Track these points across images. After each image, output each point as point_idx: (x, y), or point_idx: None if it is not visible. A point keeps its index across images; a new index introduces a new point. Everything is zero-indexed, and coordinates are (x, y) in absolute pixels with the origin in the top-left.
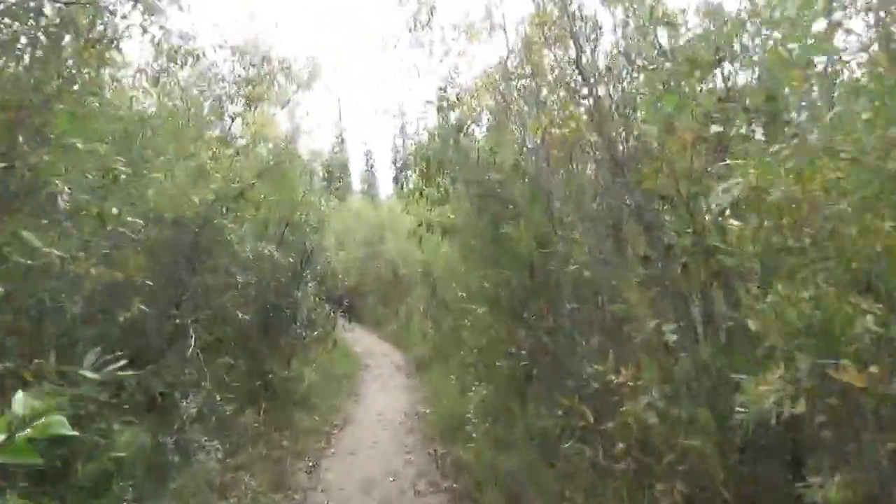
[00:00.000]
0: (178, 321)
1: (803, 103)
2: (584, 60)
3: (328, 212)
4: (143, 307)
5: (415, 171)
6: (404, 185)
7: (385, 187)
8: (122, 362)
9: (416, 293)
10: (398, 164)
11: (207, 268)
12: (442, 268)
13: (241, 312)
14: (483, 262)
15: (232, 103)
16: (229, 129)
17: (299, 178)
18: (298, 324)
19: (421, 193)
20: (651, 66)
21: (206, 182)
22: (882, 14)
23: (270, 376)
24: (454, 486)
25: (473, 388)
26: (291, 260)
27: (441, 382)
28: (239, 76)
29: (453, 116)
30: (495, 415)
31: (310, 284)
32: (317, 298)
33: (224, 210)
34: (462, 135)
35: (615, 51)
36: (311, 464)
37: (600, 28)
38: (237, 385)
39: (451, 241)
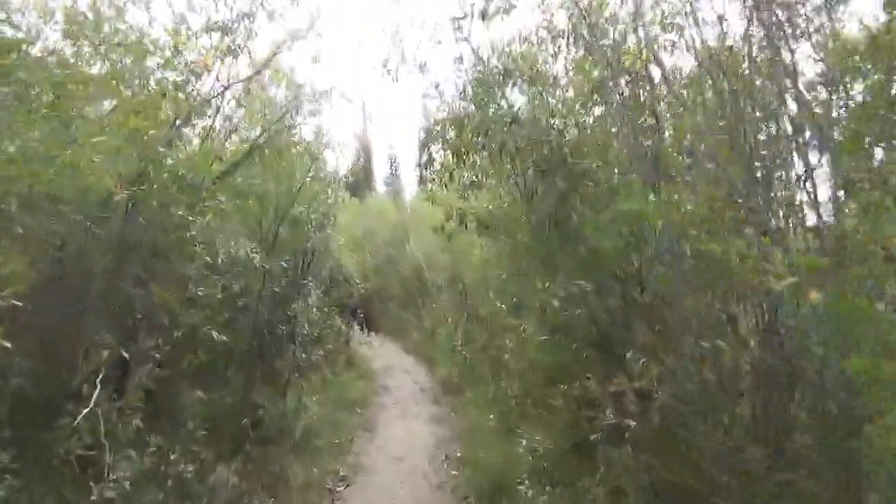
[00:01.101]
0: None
1: None
2: None
3: (340, 206)
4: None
5: (442, 146)
6: (428, 166)
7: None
8: None
9: (442, 300)
10: (421, 138)
11: (165, 277)
12: (474, 273)
13: (219, 334)
14: (541, 266)
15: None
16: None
17: (301, 162)
18: (298, 343)
19: (451, 175)
20: None
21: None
22: None
23: (261, 412)
24: None
25: (520, 433)
26: (285, 265)
27: (476, 415)
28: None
29: (498, 61)
30: (556, 479)
31: (313, 294)
32: (325, 310)
33: (193, 197)
34: (512, 86)
35: None
36: None
37: None
38: (212, 429)
39: (489, 238)
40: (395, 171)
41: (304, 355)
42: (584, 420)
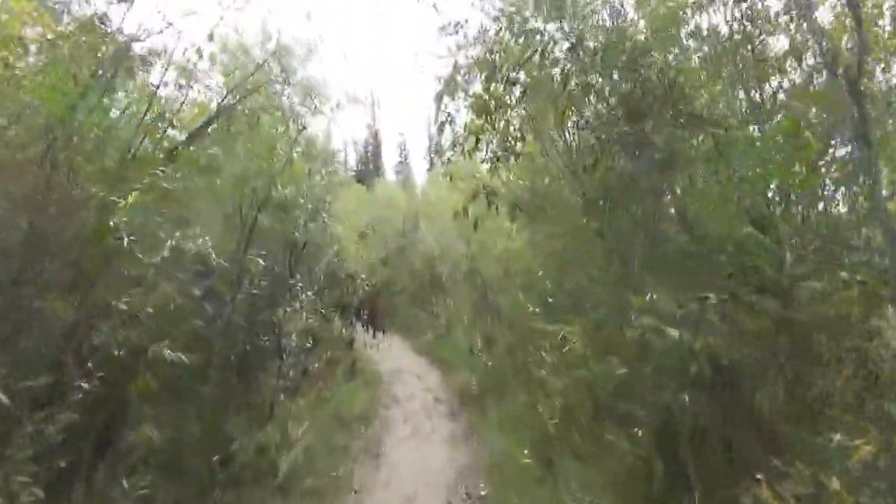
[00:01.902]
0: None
1: None
2: None
3: (341, 191)
4: None
5: (465, 102)
6: (444, 127)
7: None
8: None
9: (459, 296)
10: (437, 92)
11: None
12: (497, 266)
13: (174, 351)
14: (606, 262)
15: None
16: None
17: (284, 132)
18: (286, 356)
19: (476, 141)
20: None
21: None
22: None
23: (235, 447)
24: None
25: (563, 473)
26: (266, 261)
27: (503, 441)
28: None
29: None
30: None
31: (305, 295)
32: (321, 312)
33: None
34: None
35: None
36: None
37: None
38: (168, 473)
39: (524, 224)
40: (405, 159)
41: (291, 372)
42: (662, 468)
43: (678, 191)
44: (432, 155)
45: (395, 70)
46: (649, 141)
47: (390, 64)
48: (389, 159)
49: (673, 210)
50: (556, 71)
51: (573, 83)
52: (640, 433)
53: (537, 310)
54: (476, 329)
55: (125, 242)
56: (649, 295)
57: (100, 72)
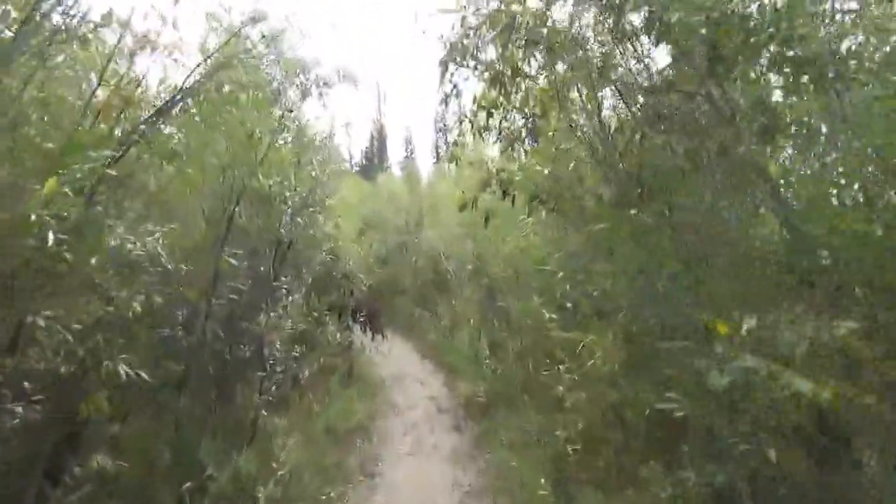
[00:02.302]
0: None
1: None
2: None
3: (338, 183)
4: None
5: (476, 70)
6: (450, 99)
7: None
8: None
9: (464, 296)
10: (441, 59)
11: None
12: (507, 265)
13: (132, 368)
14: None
15: None
16: None
17: (266, 113)
18: (270, 368)
19: (489, 116)
20: None
21: None
22: None
23: (207, 476)
24: None
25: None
26: (243, 263)
27: (515, 463)
28: None
29: None
30: None
31: (293, 299)
32: (314, 316)
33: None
34: None
35: None
36: None
37: None
38: None
39: (546, 216)
40: (411, 154)
41: (276, 387)
42: None
43: (773, 171)
44: (438, 146)
45: (402, 64)
46: (730, 102)
47: (398, 58)
48: (395, 154)
49: (767, 198)
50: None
51: (628, 21)
52: (689, 478)
53: (553, 315)
54: (482, 332)
55: (50, 240)
56: (727, 313)
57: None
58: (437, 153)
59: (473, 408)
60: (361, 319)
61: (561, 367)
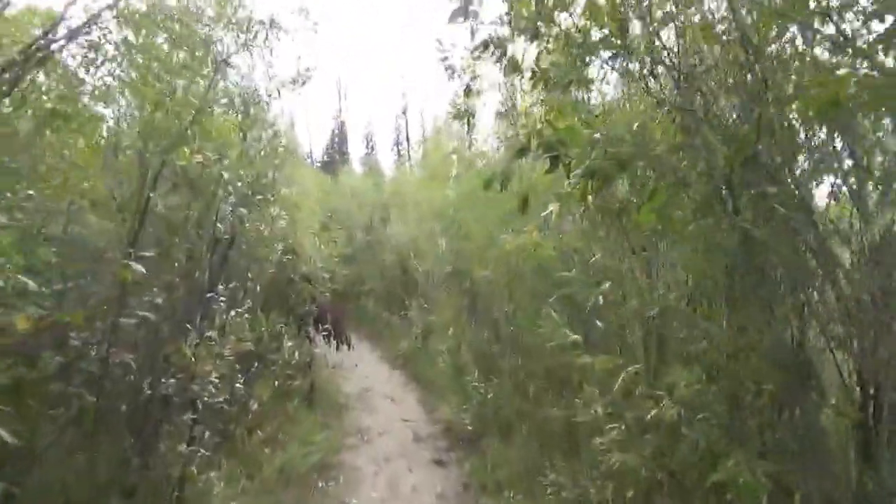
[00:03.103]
0: None
1: None
2: None
3: (288, 167)
4: None
5: None
6: (466, 15)
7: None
8: None
9: (438, 299)
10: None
11: None
12: (497, 265)
13: None
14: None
15: None
16: None
17: (194, 66)
18: (202, 405)
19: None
20: None
21: None
22: None
23: None
24: None
25: None
26: (148, 268)
27: None
28: None
29: None
30: None
31: (235, 311)
32: (266, 331)
33: None
34: None
35: None
36: None
37: None
38: None
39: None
40: (372, 150)
41: (207, 433)
42: None
43: None
44: (399, 142)
45: (363, 61)
46: None
47: (359, 55)
48: (356, 151)
49: None
50: None
51: None
52: None
53: (577, 337)
54: (463, 343)
55: None
56: None
57: None
58: (398, 150)
59: (457, 437)
60: (325, 330)
61: (592, 407)
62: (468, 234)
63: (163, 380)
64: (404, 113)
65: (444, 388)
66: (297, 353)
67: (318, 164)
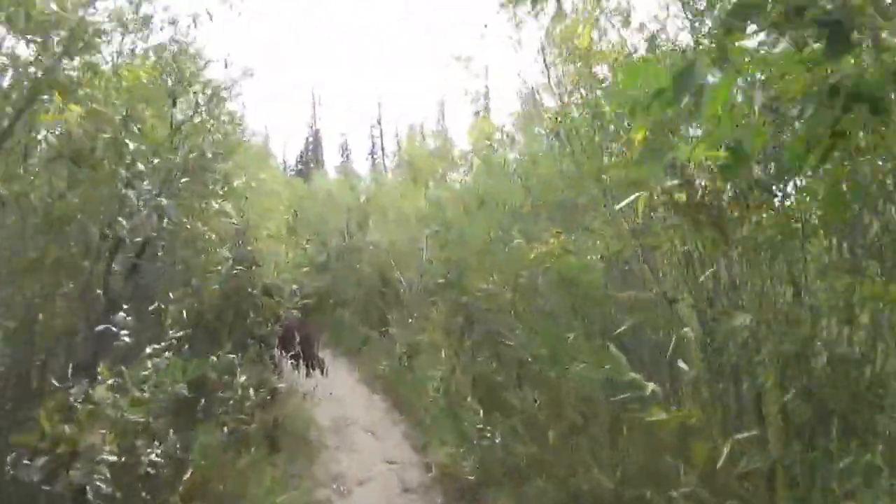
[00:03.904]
0: None
1: None
2: None
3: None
4: None
5: None
6: None
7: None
8: None
9: (423, 313)
10: None
11: None
12: (502, 276)
13: None
14: None
15: None
16: None
17: None
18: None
19: None
20: None
21: None
22: None
23: None
24: None
25: None
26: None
27: None
28: None
29: None
30: None
31: (153, 347)
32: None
33: None
34: None
35: None
36: None
37: None
38: None
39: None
40: (347, 159)
41: None
42: None
43: None
44: (374, 152)
45: (337, 71)
46: None
47: (333, 65)
48: (331, 160)
49: None
50: None
51: None
52: None
53: (636, 375)
54: (458, 368)
55: None
56: None
57: None
58: (374, 159)
59: (456, 488)
60: (293, 353)
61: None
62: (463, 240)
63: (29, 461)
64: (379, 123)
65: (436, 420)
66: (255, 388)
67: (292, 172)
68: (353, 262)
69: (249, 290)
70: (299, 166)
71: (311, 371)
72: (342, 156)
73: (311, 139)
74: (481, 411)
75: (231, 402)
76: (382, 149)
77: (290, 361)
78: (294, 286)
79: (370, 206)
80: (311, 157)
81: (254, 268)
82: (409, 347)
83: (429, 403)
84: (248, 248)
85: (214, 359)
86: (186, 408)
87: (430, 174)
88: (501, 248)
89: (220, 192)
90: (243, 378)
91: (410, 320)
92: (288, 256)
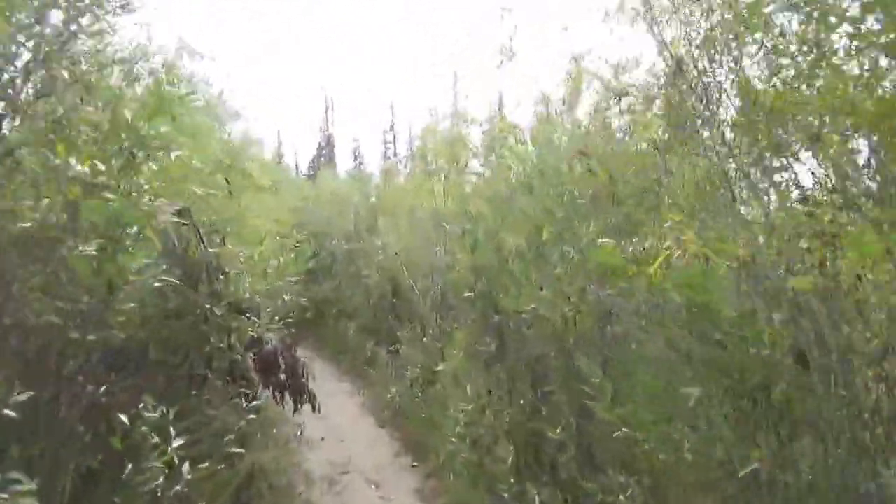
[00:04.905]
0: None
1: None
2: None
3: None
4: None
5: None
6: None
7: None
8: None
9: (455, 338)
10: None
11: None
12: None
13: None
14: None
15: None
16: None
17: None
18: None
19: None
20: None
21: None
22: None
23: None
24: None
25: None
26: None
27: None
28: None
29: None
30: None
31: None
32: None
33: None
34: None
35: None
36: None
37: None
38: None
39: None
40: (360, 164)
41: None
42: None
43: None
44: (386, 156)
45: (351, 75)
46: None
47: (347, 68)
48: (344, 164)
49: None
50: None
51: None
52: None
53: None
54: (489, 410)
55: None
56: None
57: None
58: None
59: None
60: (276, 383)
61: None
62: (497, 241)
63: None
64: (392, 128)
65: (458, 476)
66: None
67: (304, 176)
68: (360, 267)
69: (208, 307)
70: (311, 171)
71: (300, 406)
72: (355, 160)
73: (322, 143)
74: (519, 473)
75: (154, 477)
76: (395, 154)
77: (273, 395)
78: (286, 296)
79: (380, 205)
80: (323, 162)
81: (220, 278)
82: (424, 372)
83: (449, 451)
84: (213, 251)
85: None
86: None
87: (451, 162)
88: (562, 251)
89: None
90: (176, 445)
91: (425, 339)
92: (280, 262)
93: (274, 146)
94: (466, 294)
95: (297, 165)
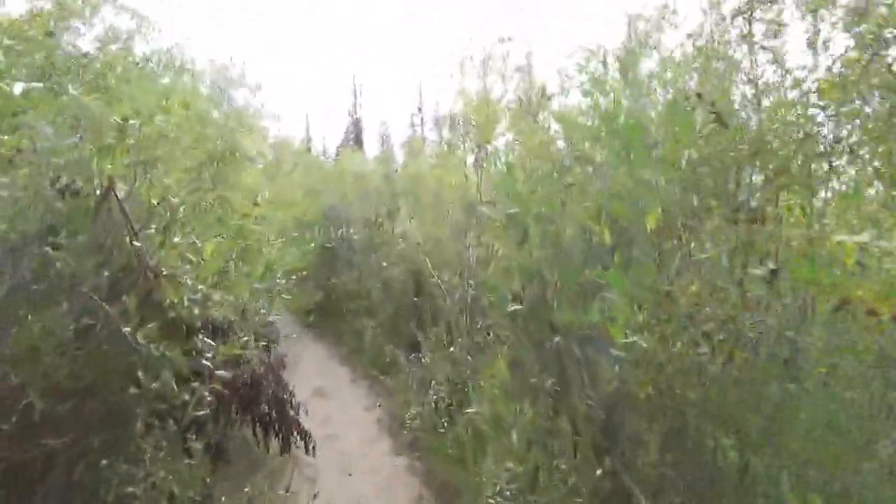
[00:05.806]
0: None
1: None
2: None
3: None
4: None
5: None
6: None
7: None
8: None
9: (493, 357)
10: None
11: None
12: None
13: None
14: None
15: None
16: None
17: None
18: None
19: None
20: None
21: None
22: None
23: None
24: None
25: None
26: None
27: None
28: None
29: None
30: None
31: None
32: None
33: None
34: None
35: None
36: None
37: None
38: None
39: None
40: (388, 148)
41: None
42: None
43: None
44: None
45: (380, 61)
46: None
47: (375, 54)
48: (371, 148)
49: None
50: None
51: None
52: None
53: None
54: (541, 468)
55: None
56: None
57: None
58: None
59: None
60: (258, 418)
61: None
62: (557, 237)
63: None
64: (420, 110)
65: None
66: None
67: (332, 160)
68: (380, 258)
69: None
70: (338, 155)
71: (287, 449)
72: (382, 145)
73: (350, 127)
74: None
75: None
76: (424, 137)
77: (253, 432)
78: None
79: (406, 190)
80: (351, 146)
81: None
82: (451, 388)
83: (483, 493)
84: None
85: None
86: None
87: (491, 128)
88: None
89: None
90: None
91: (452, 349)
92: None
93: (302, 133)
94: (511, 307)
95: (324, 149)
